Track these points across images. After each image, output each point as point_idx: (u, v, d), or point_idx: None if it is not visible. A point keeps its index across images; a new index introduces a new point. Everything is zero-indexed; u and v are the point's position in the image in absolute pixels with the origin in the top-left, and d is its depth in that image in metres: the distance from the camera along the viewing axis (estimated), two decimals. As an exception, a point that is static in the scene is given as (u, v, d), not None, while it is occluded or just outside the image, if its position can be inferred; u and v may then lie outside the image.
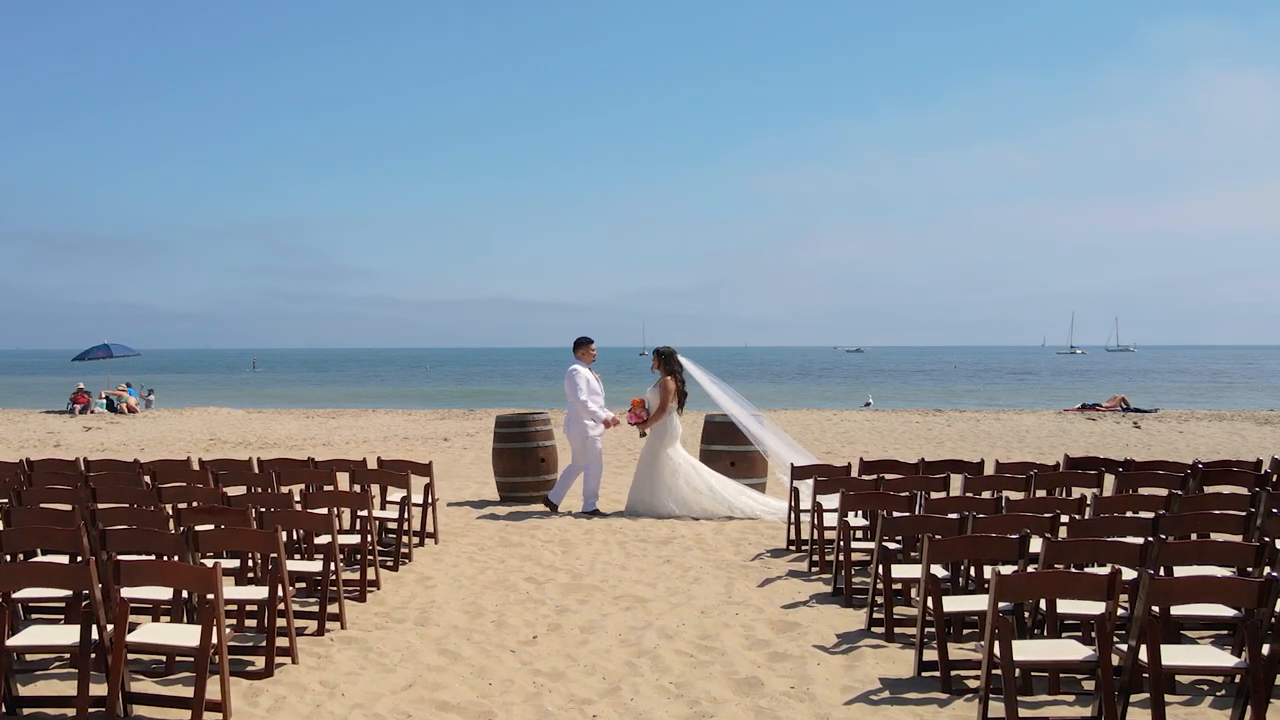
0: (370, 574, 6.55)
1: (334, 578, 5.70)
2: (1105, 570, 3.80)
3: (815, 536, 6.99)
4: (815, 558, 7.04)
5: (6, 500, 6.50)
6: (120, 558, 4.18)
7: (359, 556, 6.55)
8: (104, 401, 26.50)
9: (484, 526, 8.83)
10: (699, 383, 9.90)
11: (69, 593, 4.62)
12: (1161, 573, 4.21)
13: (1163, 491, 6.41)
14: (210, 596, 4.09)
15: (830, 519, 6.89)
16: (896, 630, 5.34)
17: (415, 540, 7.90)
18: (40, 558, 5.74)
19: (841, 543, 6.24)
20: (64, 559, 5.52)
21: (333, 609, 5.74)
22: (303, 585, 6.29)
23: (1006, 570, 4.31)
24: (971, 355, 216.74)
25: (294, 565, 5.91)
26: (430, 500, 8.08)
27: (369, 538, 6.50)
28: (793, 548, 7.78)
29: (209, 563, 4.32)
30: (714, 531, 8.56)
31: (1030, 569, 4.56)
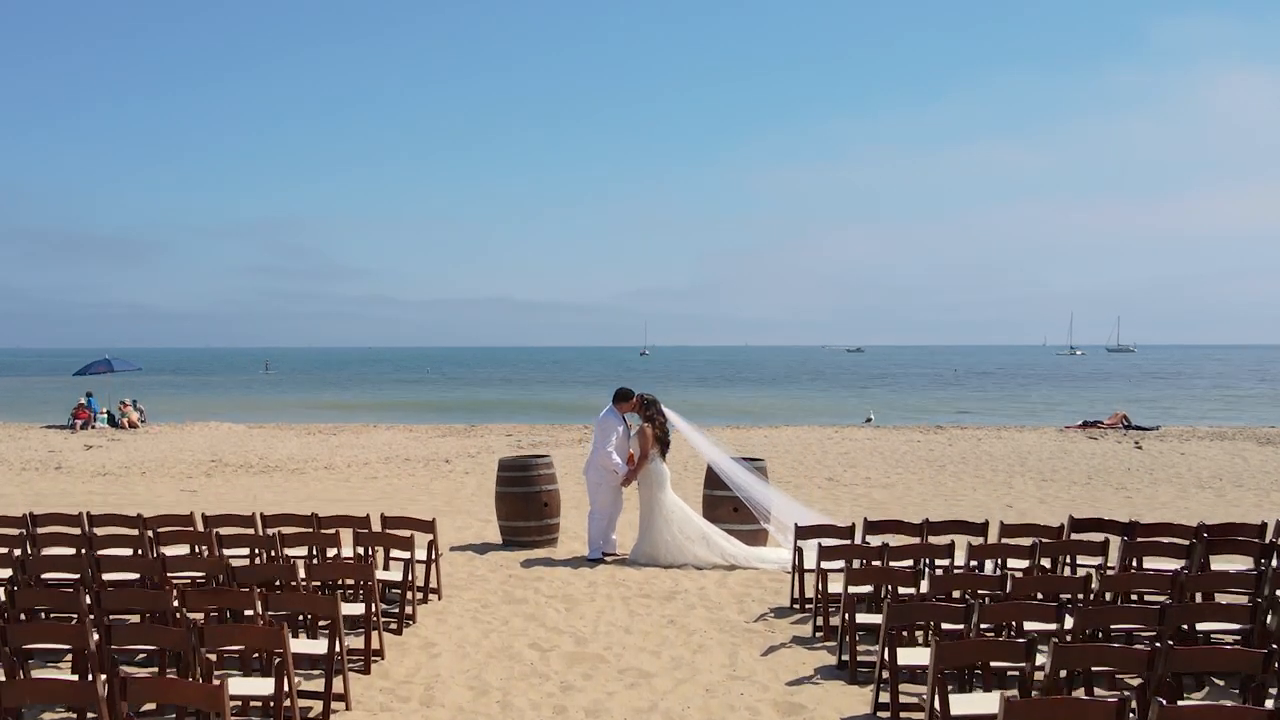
0: (375, 642, 6.55)
1: (339, 656, 5.70)
2: (1113, 697, 3.80)
3: (819, 599, 6.98)
4: (819, 621, 7.03)
5: (10, 572, 6.50)
6: (126, 669, 4.17)
7: (363, 625, 6.54)
8: (105, 416, 26.50)
9: (487, 579, 8.82)
10: (681, 431, 9.98)
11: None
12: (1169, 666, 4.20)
13: (1169, 564, 6.40)
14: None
15: (834, 582, 6.88)
16: (903, 716, 5.33)
17: (419, 597, 7.89)
18: (46, 643, 5.73)
19: (847, 617, 6.23)
20: (71, 628, 5.52)
21: (338, 686, 5.73)
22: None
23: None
24: (972, 355, 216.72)
25: (299, 646, 5.90)
26: (433, 556, 8.07)
27: (374, 606, 6.50)
28: (796, 606, 7.77)
29: (214, 653, 4.30)
30: (717, 585, 8.55)
31: (1038, 674, 4.56)
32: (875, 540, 7.53)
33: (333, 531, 7.38)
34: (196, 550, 7.51)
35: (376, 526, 8.09)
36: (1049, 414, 37.86)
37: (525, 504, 10.12)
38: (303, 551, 7.54)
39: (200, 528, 7.90)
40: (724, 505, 9.88)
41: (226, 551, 7.34)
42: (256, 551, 7.44)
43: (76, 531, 8.04)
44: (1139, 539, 7.18)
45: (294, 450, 21.40)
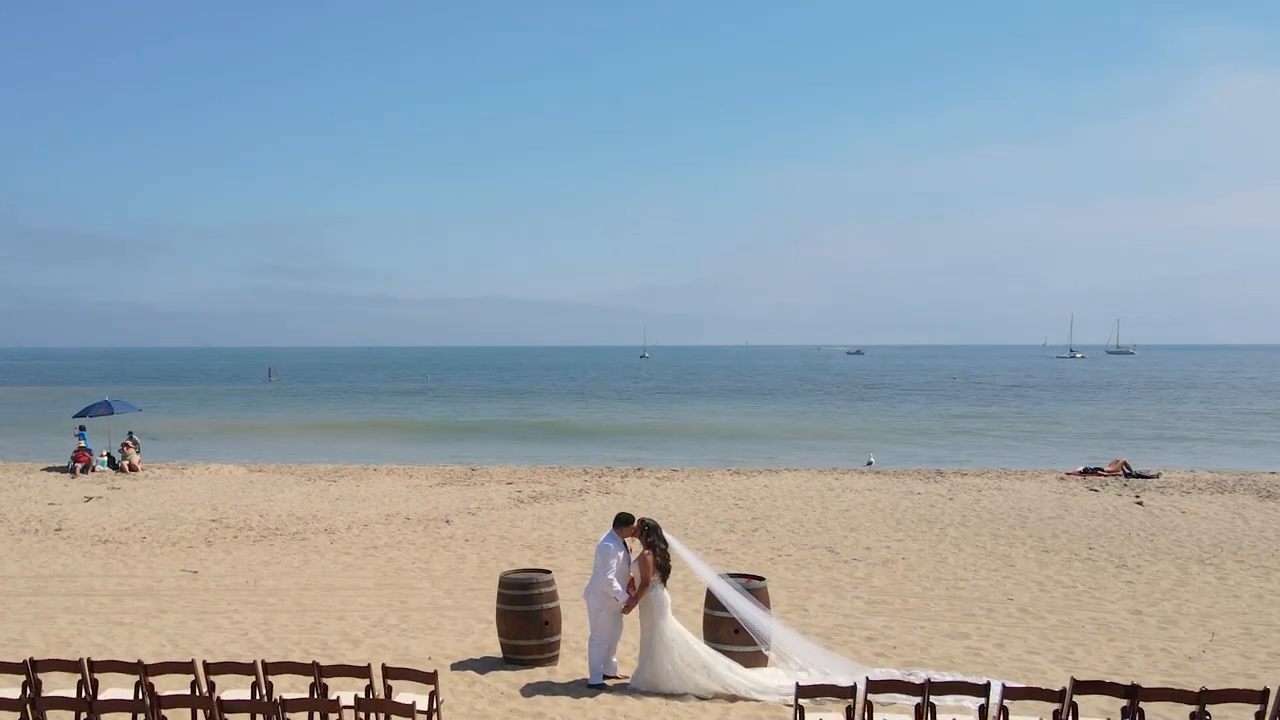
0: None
1: None
2: None
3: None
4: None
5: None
6: None
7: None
8: (105, 459, 26.49)
9: (488, 715, 8.81)
10: (681, 557, 9.96)
11: None
12: None
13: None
14: None
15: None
16: None
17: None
18: None
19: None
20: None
21: None
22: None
23: None
24: (971, 358, 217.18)
25: None
26: (434, 707, 8.06)
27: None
28: (798, 759, 7.77)
29: None
30: (718, 722, 8.56)
31: None
32: (877, 698, 7.54)
33: (334, 698, 7.37)
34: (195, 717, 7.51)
35: (377, 669, 8.08)
36: (1051, 449, 37.84)
37: (526, 622, 10.11)
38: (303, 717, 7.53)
39: (201, 678, 7.90)
40: (725, 626, 9.87)
41: (228, 718, 7.33)
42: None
43: (77, 678, 8.09)
44: (1140, 702, 7.20)
45: (295, 503, 21.38)
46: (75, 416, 28.72)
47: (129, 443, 27.23)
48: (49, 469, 27.23)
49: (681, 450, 36.89)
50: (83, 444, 26.44)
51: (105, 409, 27.95)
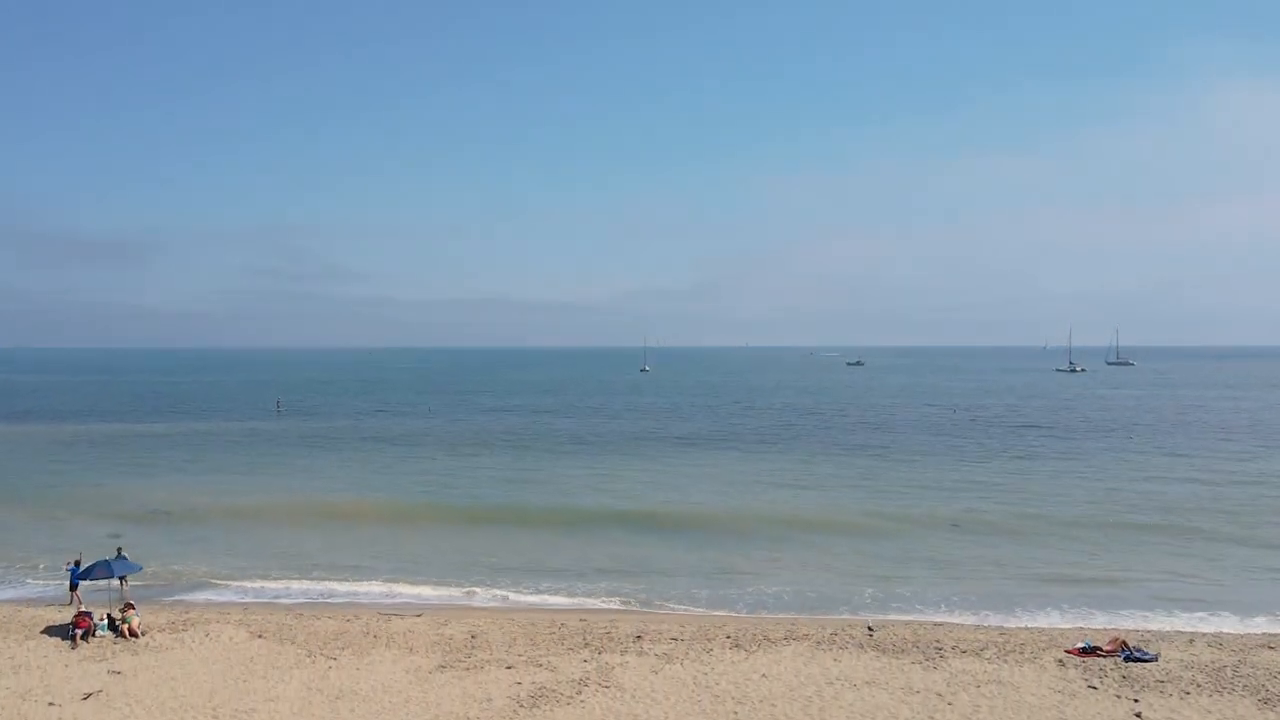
0: None
1: None
2: None
3: None
4: None
5: None
6: None
7: None
8: (105, 623, 26.53)
9: None
10: None
11: None
12: None
13: None
14: None
15: None
16: None
17: None
18: None
19: None
20: None
21: None
22: None
23: None
24: (974, 371, 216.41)
25: None
26: None
27: None
28: None
29: None
30: None
31: None
32: None
33: None
34: None
35: None
36: (1048, 532, 37.93)
37: None
38: None
39: None
40: None
41: None
42: None
43: None
44: None
45: (294, 701, 21.40)
46: (76, 577, 28.80)
47: (129, 605, 27.28)
48: (48, 630, 27.23)
49: (678, 566, 37.08)
50: (83, 608, 26.43)
51: (105, 570, 27.97)
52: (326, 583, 34.88)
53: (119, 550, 32.18)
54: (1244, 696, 21.66)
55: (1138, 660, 23.60)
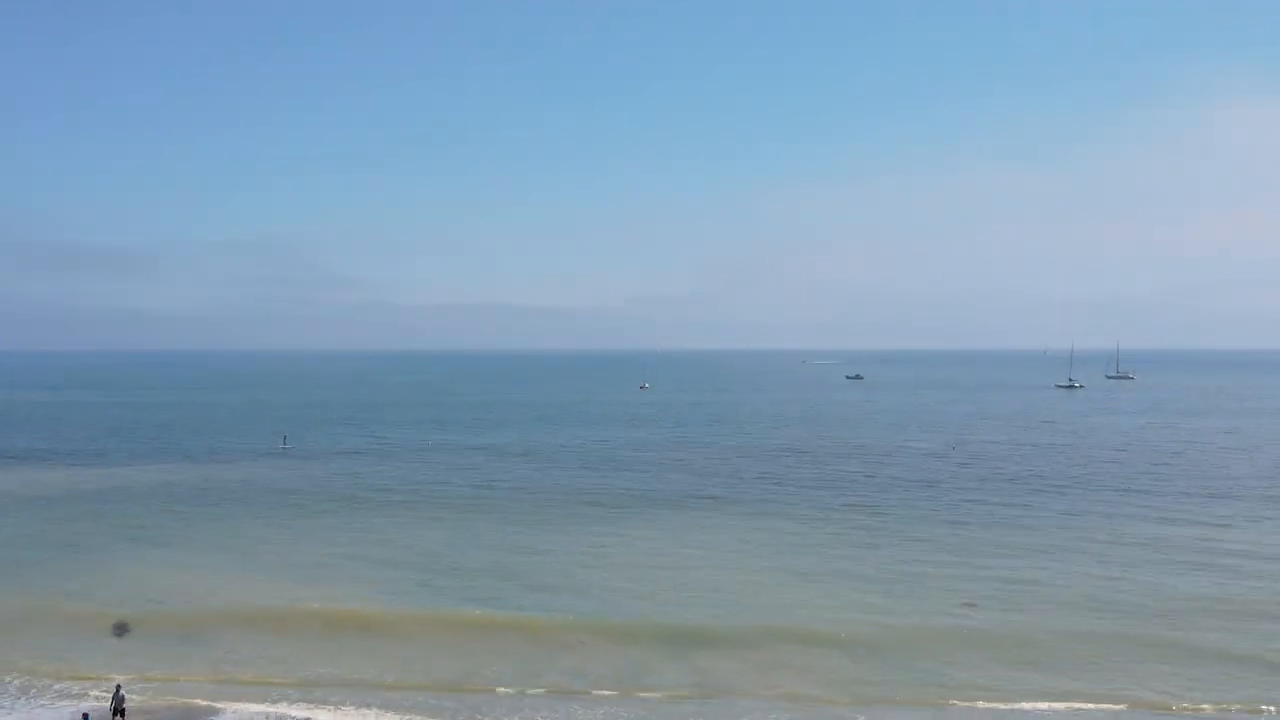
0: None
1: None
2: None
3: None
4: None
5: None
6: None
7: None
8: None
9: None
10: None
11: None
12: None
13: None
14: None
15: None
16: None
17: None
18: None
19: None
20: None
21: None
22: None
23: None
24: (974, 389, 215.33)
25: None
26: None
27: None
28: None
29: None
30: None
31: None
32: None
33: None
34: None
35: None
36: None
37: None
38: None
39: None
40: None
41: None
42: None
43: None
44: None
45: None
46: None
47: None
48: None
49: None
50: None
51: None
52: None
53: (118, 687, 32.25)
54: None
55: None
